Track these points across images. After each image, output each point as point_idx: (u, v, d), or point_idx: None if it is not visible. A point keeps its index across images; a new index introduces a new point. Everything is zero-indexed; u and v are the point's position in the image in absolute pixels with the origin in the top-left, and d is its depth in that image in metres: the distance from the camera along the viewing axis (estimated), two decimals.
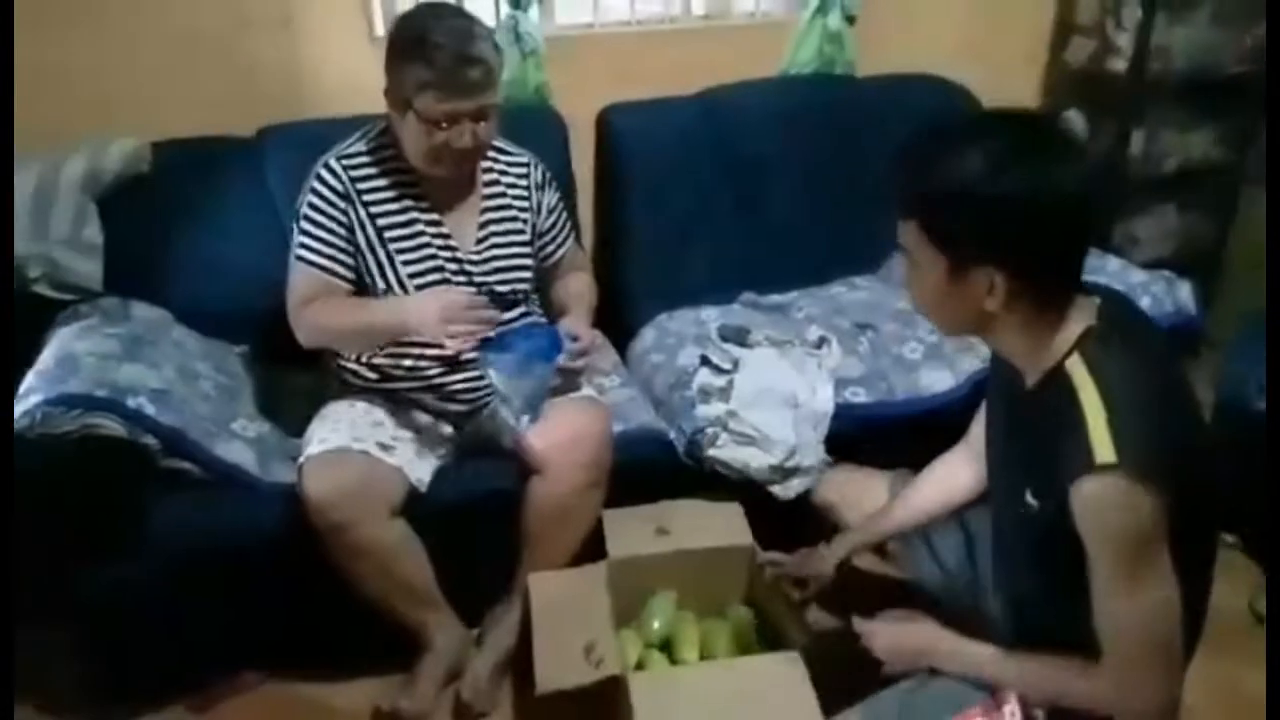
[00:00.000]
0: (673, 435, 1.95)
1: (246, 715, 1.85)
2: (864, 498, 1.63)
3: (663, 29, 2.65)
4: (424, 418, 1.81)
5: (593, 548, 1.78)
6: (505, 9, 2.37)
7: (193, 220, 2.09)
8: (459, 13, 1.67)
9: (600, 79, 2.48)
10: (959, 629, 1.31)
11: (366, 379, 1.79)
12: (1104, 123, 2.80)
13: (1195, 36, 2.66)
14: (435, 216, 1.75)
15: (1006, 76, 2.77)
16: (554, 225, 1.91)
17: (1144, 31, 2.58)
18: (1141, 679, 1.09)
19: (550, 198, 1.89)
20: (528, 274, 1.86)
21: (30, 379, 1.65)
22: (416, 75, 1.56)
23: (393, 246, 1.72)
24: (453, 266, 1.76)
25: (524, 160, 1.87)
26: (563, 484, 1.72)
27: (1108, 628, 1.09)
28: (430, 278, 1.74)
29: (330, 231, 1.69)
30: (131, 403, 1.64)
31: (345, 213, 1.69)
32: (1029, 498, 1.14)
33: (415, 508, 1.70)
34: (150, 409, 1.65)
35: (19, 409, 1.57)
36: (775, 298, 2.40)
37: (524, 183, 1.85)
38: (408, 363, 1.77)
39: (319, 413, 1.80)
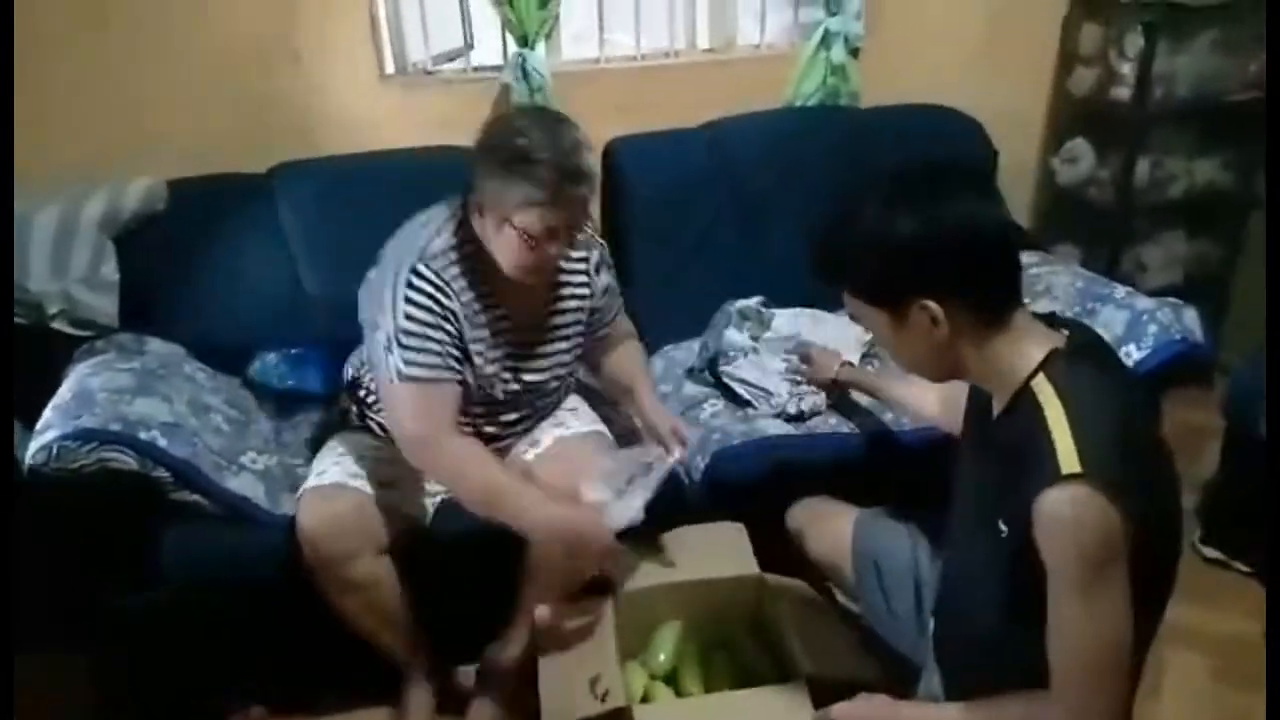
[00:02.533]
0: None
1: None
2: (827, 530, 1.65)
3: (668, 63, 2.70)
4: None
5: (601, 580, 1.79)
6: (513, 46, 2.42)
7: (206, 257, 2.14)
8: (559, 120, 1.54)
9: (606, 112, 2.51)
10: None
11: (376, 419, 1.80)
12: (1110, 151, 2.81)
13: (1197, 64, 2.67)
14: (505, 311, 1.67)
15: (1010, 106, 2.79)
16: (607, 305, 1.85)
17: (1146, 60, 2.59)
18: (1089, 703, 1.08)
19: (606, 278, 1.83)
20: (574, 364, 1.85)
21: (48, 414, 1.69)
22: (523, 194, 1.46)
23: (471, 347, 1.65)
24: (511, 363, 1.72)
25: (586, 245, 1.77)
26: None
27: (1059, 647, 1.07)
28: (492, 378, 1.69)
29: (437, 341, 1.56)
30: (144, 436, 1.67)
31: (445, 314, 1.57)
32: (1001, 525, 1.13)
33: (418, 541, 1.72)
34: (162, 442, 1.68)
35: (36, 444, 1.61)
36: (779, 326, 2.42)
37: (584, 267, 1.77)
38: None
39: (327, 442, 1.83)
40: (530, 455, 1.82)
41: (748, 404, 2.13)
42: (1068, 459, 1.02)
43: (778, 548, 1.74)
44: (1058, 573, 1.04)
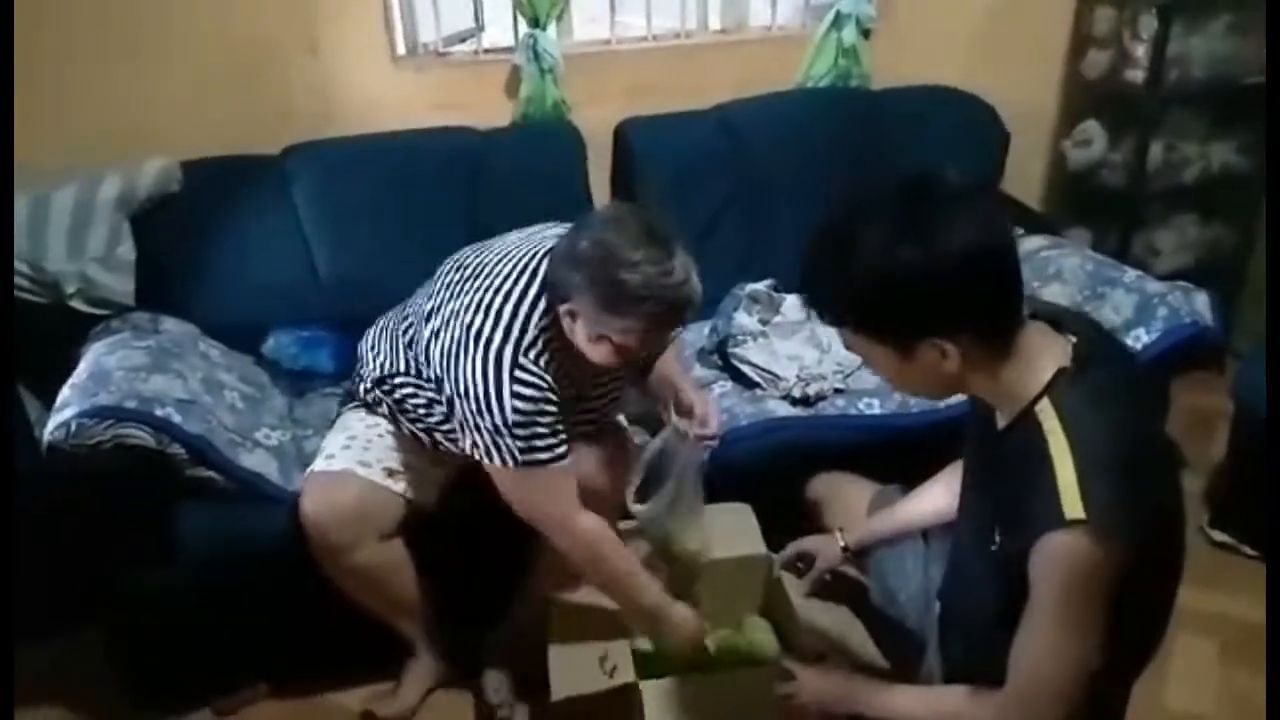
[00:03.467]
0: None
1: None
2: (849, 503, 1.66)
3: (679, 44, 2.69)
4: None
5: None
6: (524, 28, 2.42)
7: (221, 237, 2.15)
8: (667, 247, 1.43)
9: (617, 94, 2.52)
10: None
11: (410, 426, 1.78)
12: (1123, 133, 2.80)
13: (1212, 46, 2.65)
14: (574, 379, 1.64)
15: (1023, 88, 2.77)
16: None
17: (1160, 42, 2.58)
18: (1039, 704, 1.10)
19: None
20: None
21: (65, 392, 1.71)
22: (626, 324, 1.44)
23: None
24: (571, 418, 1.67)
25: None
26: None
27: (1020, 661, 1.10)
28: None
29: (546, 425, 1.53)
30: (160, 413, 1.69)
31: (553, 402, 1.54)
32: (997, 536, 1.14)
33: (425, 521, 1.74)
34: (177, 419, 1.70)
35: (55, 421, 1.63)
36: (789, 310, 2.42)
37: None
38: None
39: (338, 420, 1.84)
40: None
41: (756, 385, 2.15)
42: (1071, 503, 1.01)
43: (786, 527, 1.75)
44: (1039, 601, 1.07)
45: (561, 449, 1.56)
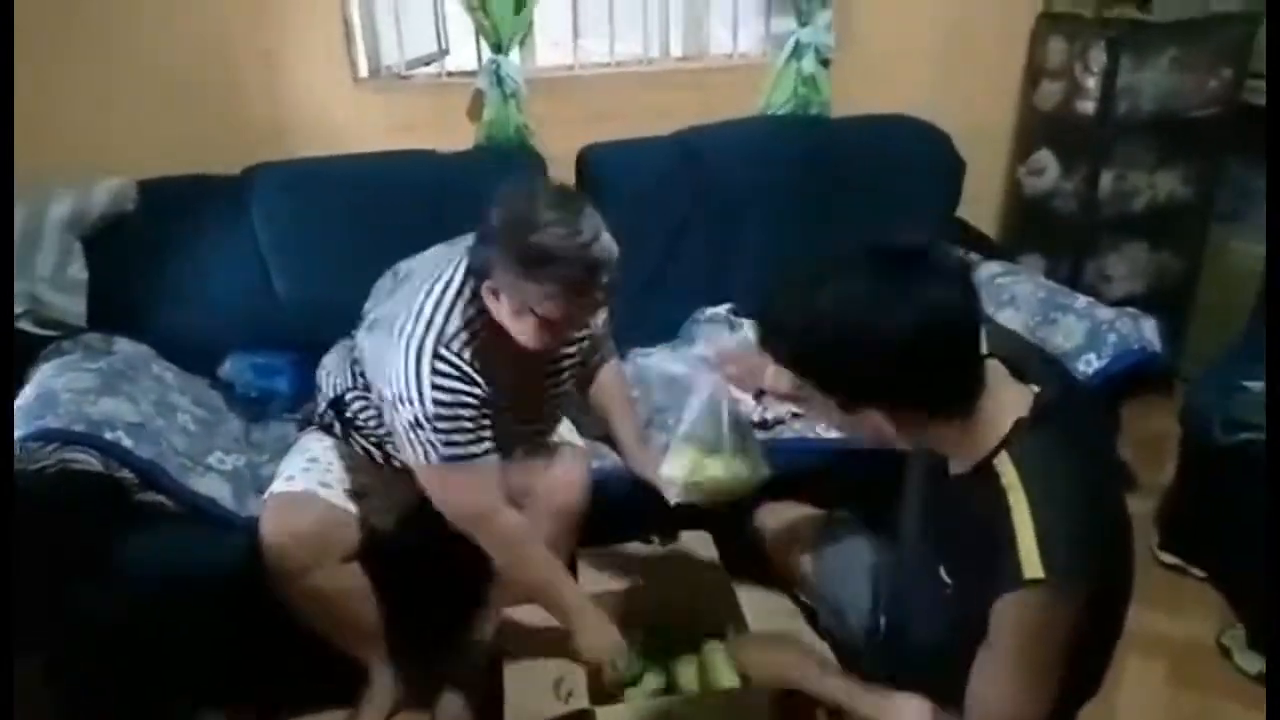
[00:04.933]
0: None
1: None
2: (792, 532, 1.68)
3: (641, 70, 2.72)
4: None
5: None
6: (488, 52, 2.43)
7: (177, 257, 2.13)
8: (573, 205, 1.45)
9: (579, 120, 2.54)
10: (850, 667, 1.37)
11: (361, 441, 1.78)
12: (1075, 163, 2.87)
13: (1159, 80, 2.73)
14: (512, 376, 1.64)
15: (978, 118, 2.84)
16: (601, 338, 1.86)
17: (1110, 75, 2.65)
18: None
19: (602, 316, 1.80)
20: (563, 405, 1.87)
21: None
22: (544, 290, 1.43)
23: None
24: (513, 414, 1.69)
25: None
26: (538, 528, 1.74)
27: (979, 706, 1.13)
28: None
29: (469, 419, 1.54)
30: (109, 436, 1.66)
31: (475, 394, 1.54)
32: (943, 574, 1.16)
33: (382, 546, 1.73)
34: (127, 442, 1.67)
35: None
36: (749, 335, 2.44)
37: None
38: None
39: (297, 443, 1.83)
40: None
41: None
42: (1031, 565, 1.02)
43: (742, 553, 1.76)
44: (1000, 653, 1.09)
45: (486, 445, 1.56)
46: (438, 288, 1.57)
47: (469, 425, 1.53)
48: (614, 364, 1.96)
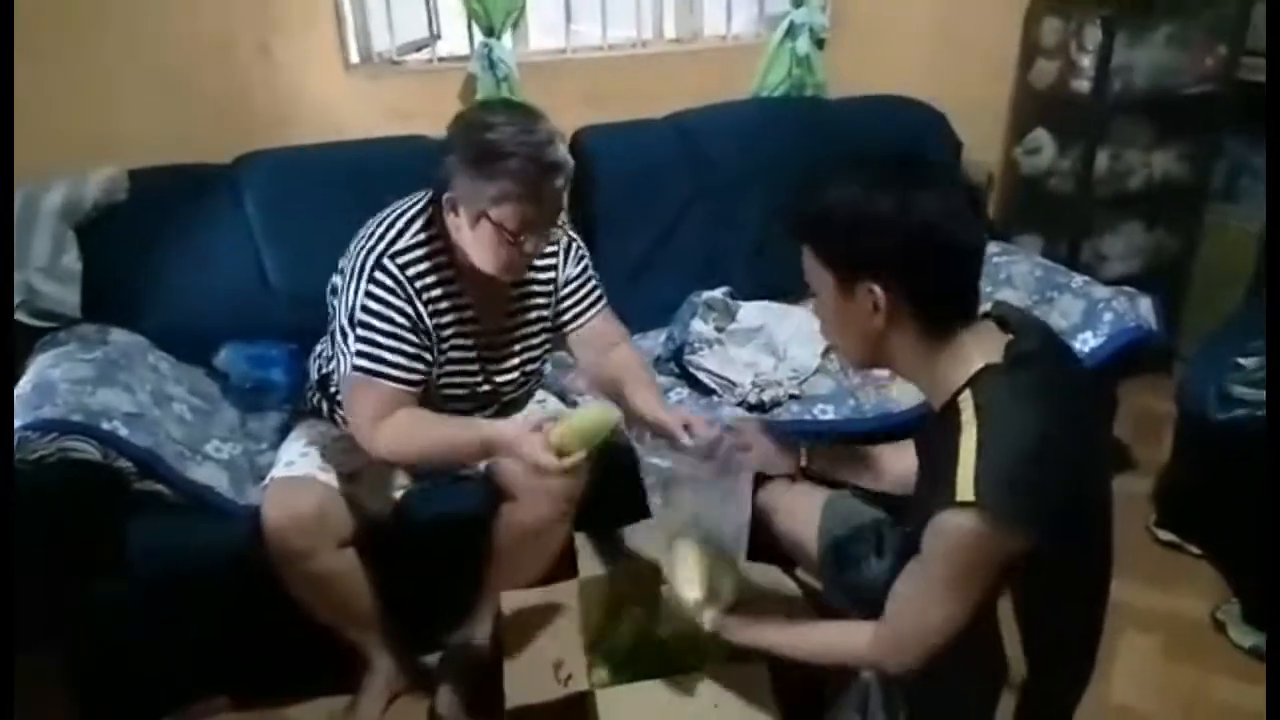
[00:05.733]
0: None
1: None
2: (795, 510, 1.67)
3: (635, 53, 2.71)
4: None
5: (565, 564, 1.81)
6: (479, 36, 2.42)
7: (170, 247, 2.12)
8: (528, 112, 1.52)
9: (573, 103, 2.53)
10: None
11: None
12: (1071, 142, 2.86)
13: (1154, 58, 2.72)
14: (472, 314, 1.67)
15: (974, 98, 2.82)
16: (571, 294, 1.78)
17: (1105, 53, 2.64)
18: (897, 653, 1.21)
19: (572, 270, 1.77)
20: (543, 362, 1.85)
21: None
22: (499, 188, 1.45)
23: (437, 350, 1.64)
24: (479, 365, 1.72)
25: (554, 238, 1.72)
26: (533, 513, 1.75)
27: (896, 605, 1.21)
28: (461, 378, 1.71)
29: (396, 338, 1.55)
30: (106, 426, 1.67)
31: (406, 314, 1.56)
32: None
33: (381, 532, 1.73)
34: (124, 432, 1.68)
35: None
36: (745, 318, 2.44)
37: (551, 261, 1.74)
38: None
39: (293, 429, 1.83)
40: None
41: (712, 392, 2.16)
42: (964, 487, 1.08)
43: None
44: (923, 561, 1.16)
45: (399, 370, 1.55)
46: (395, 212, 1.63)
47: (387, 341, 1.54)
48: (627, 347, 1.86)
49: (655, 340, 2.34)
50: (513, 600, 1.71)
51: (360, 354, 1.54)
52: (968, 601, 1.14)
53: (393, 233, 1.58)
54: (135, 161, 2.14)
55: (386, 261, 1.55)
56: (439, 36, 2.60)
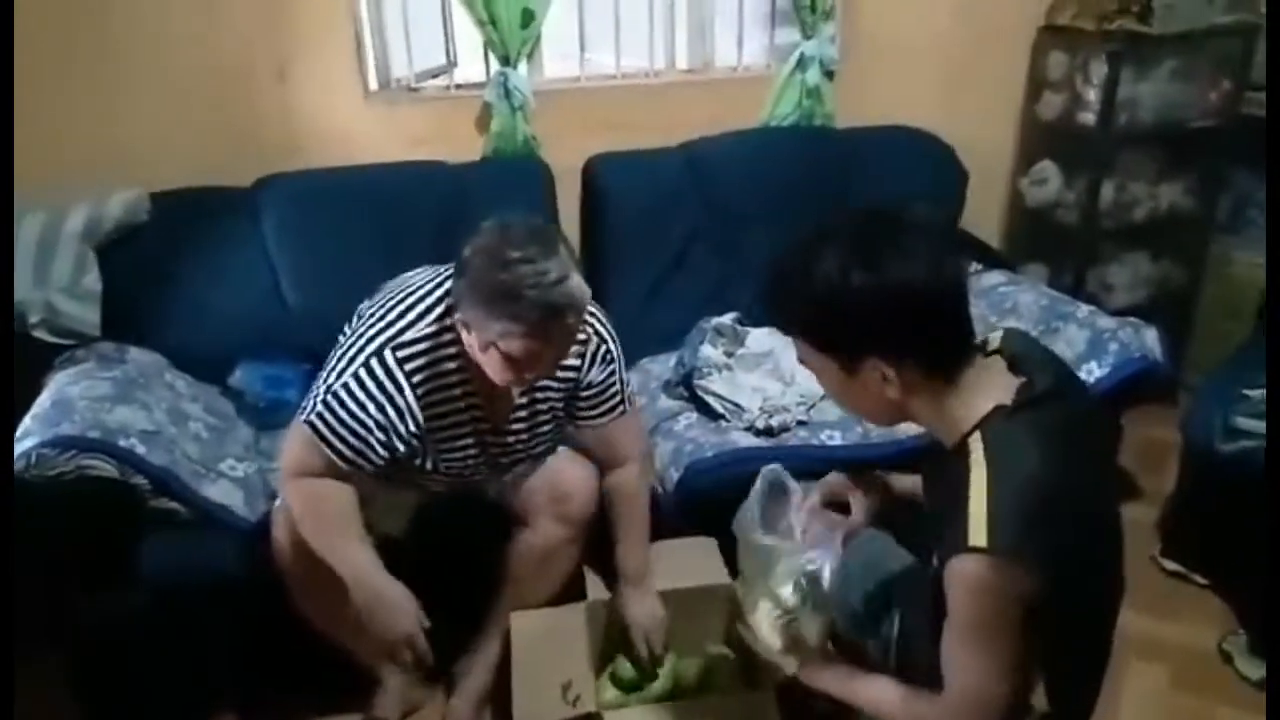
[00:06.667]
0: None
1: None
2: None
3: (647, 83, 2.75)
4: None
5: (574, 586, 1.82)
6: (496, 65, 2.46)
7: (189, 268, 2.16)
8: (546, 242, 1.43)
9: (586, 131, 2.57)
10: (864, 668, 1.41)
11: None
12: (1077, 173, 2.89)
13: (1160, 91, 2.75)
14: (477, 401, 1.64)
15: (981, 129, 2.86)
16: (590, 399, 1.73)
17: (1110, 86, 2.68)
18: (968, 713, 1.19)
19: (596, 375, 1.70)
20: (550, 447, 1.81)
21: (27, 422, 1.71)
22: (505, 328, 1.41)
23: (432, 435, 1.63)
24: (480, 448, 1.70)
25: (582, 338, 1.65)
26: (546, 537, 1.77)
27: (947, 672, 1.19)
28: (461, 458, 1.70)
29: (363, 427, 1.53)
30: (123, 443, 1.69)
31: (387, 415, 1.54)
32: (935, 559, 1.19)
33: (391, 552, 1.75)
34: (141, 449, 1.70)
35: (16, 450, 1.63)
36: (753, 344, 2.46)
37: (576, 361, 1.68)
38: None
39: None
40: (509, 475, 1.83)
41: (721, 417, 2.18)
42: (977, 531, 1.07)
43: None
44: (951, 618, 1.14)
45: (346, 450, 1.54)
46: (415, 293, 1.59)
47: (350, 423, 1.53)
48: (633, 444, 1.81)
49: (665, 364, 2.36)
50: (522, 621, 1.73)
51: (320, 416, 1.53)
52: (1003, 647, 1.13)
53: (404, 322, 1.55)
54: (156, 184, 2.18)
55: (387, 353, 1.53)
56: (456, 64, 2.65)
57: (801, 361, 1.25)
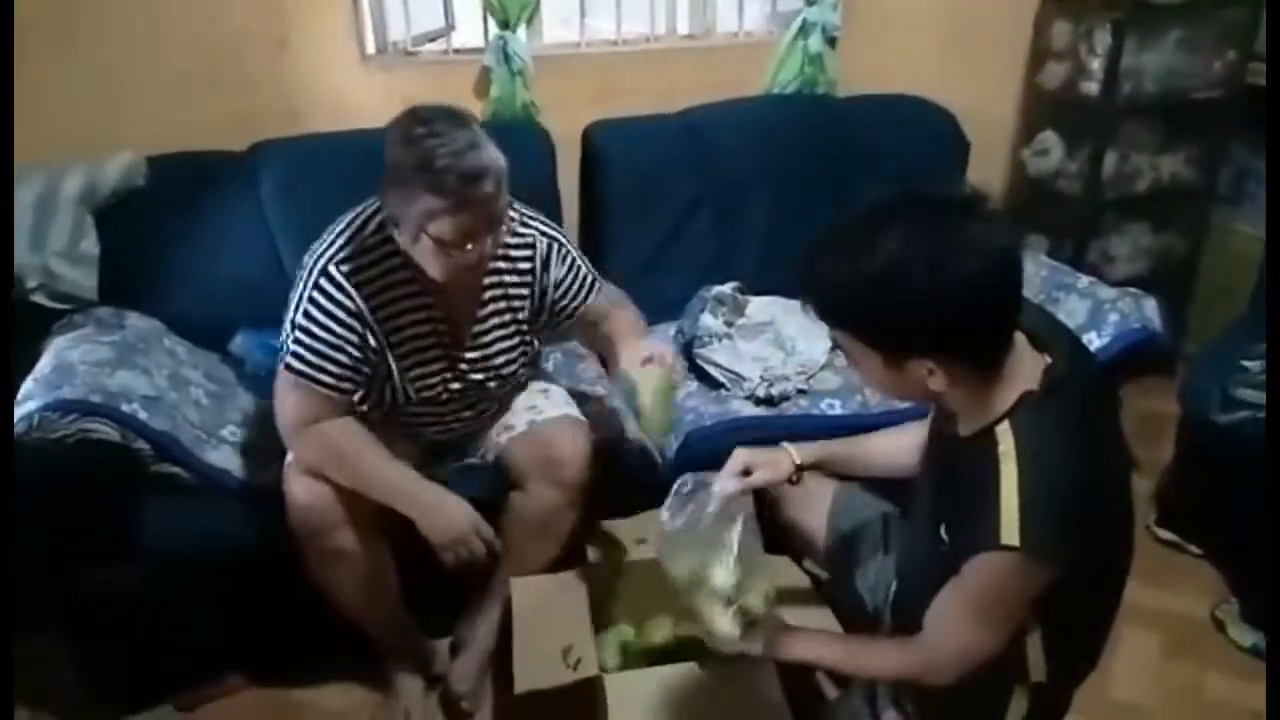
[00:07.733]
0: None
1: (233, 716, 1.90)
2: (805, 499, 1.69)
3: (647, 49, 2.72)
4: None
5: (574, 551, 1.83)
6: (495, 29, 2.43)
7: (186, 233, 2.15)
8: (451, 117, 1.45)
9: (586, 97, 2.55)
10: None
11: None
12: (1079, 144, 2.87)
13: (1163, 61, 2.73)
14: (435, 313, 1.66)
15: (983, 98, 2.84)
16: (565, 294, 1.75)
17: (1114, 56, 2.65)
18: (932, 671, 1.23)
19: (558, 272, 1.73)
20: (522, 364, 1.81)
21: (28, 385, 1.71)
22: (425, 205, 1.42)
23: (396, 351, 1.64)
24: (448, 363, 1.71)
25: (529, 242, 1.70)
26: (541, 502, 1.77)
27: (933, 627, 1.21)
28: (430, 378, 1.70)
29: (333, 347, 1.56)
30: (125, 408, 1.69)
31: (350, 327, 1.56)
32: (942, 532, 1.20)
33: (396, 515, 1.75)
34: (142, 414, 1.70)
35: (17, 414, 1.63)
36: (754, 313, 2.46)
37: (528, 265, 1.70)
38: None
39: None
40: (504, 439, 1.85)
41: (721, 386, 2.18)
42: (1009, 532, 1.06)
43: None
44: (961, 591, 1.16)
45: (331, 379, 1.57)
46: (350, 216, 1.61)
47: (323, 349, 1.56)
48: (621, 309, 1.84)
49: (665, 334, 2.36)
50: (522, 586, 1.74)
51: (295, 355, 1.56)
52: (1006, 628, 1.16)
53: (343, 239, 1.58)
54: (153, 149, 2.16)
55: (332, 268, 1.55)
56: (454, 28, 2.62)
57: (835, 344, 1.22)
